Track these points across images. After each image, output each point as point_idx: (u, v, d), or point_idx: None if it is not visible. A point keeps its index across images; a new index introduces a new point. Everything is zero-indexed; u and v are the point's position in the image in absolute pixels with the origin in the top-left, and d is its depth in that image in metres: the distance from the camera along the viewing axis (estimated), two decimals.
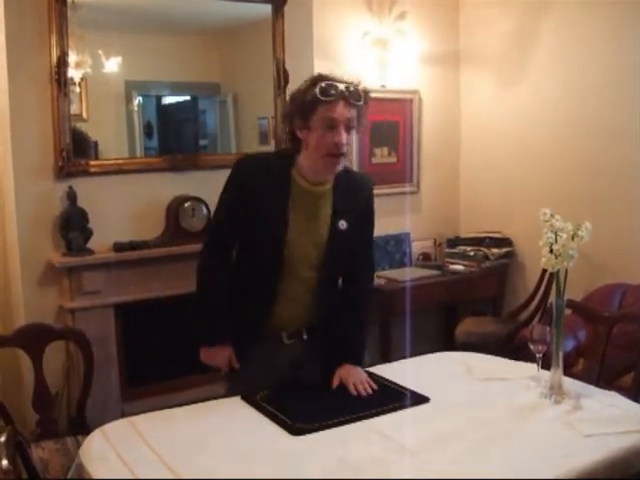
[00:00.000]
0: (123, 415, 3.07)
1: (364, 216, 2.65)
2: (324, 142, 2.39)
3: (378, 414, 2.34)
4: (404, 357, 3.23)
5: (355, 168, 5.04)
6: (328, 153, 2.40)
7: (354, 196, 2.60)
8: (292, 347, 2.64)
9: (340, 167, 2.48)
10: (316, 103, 2.37)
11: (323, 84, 2.37)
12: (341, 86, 2.39)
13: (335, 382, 2.58)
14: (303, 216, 2.52)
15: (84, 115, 3.97)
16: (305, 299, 2.60)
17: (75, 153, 3.81)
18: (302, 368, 2.65)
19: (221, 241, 2.63)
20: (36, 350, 2.99)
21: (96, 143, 4.02)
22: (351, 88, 2.40)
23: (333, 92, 2.36)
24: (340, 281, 2.72)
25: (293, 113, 2.47)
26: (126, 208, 3.97)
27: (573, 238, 2.39)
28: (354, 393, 2.51)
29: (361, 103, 2.42)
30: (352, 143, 2.47)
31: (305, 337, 2.66)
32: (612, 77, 4.46)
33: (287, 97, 2.61)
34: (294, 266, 2.53)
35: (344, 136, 2.39)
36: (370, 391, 2.52)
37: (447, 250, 5.37)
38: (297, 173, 2.51)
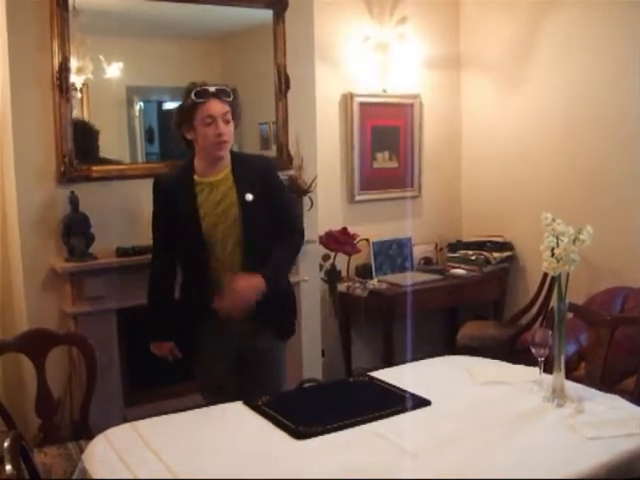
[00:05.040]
0: (125, 420, 3.07)
1: (267, 186, 3.03)
2: (209, 136, 2.88)
3: (380, 417, 2.34)
4: (406, 361, 3.23)
5: (356, 172, 5.08)
6: (213, 144, 2.89)
7: (250, 173, 3.01)
8: (241, 322, 2.97)
9: (224, 152, 2.95)
10: (194, 105, 2.87)
11: (196, 89, 2.88)
12: (211, 88, 2.90)
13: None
14: (213, 202, 2.96)
15: (86, 121, 3.97)
16: (239, 271, 2.93)
17: (79, 148, 3.85)
18: (254, 337, 3.03)
19: (158, 250, 3.15)
20: (39, 355, 3.00)
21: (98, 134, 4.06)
22: (220, 89, 2.92)
23: (205, 94, 2.88)
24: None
25: (180, 121, 2.97)
26: (128, 213, 3.96)
27: (575, 242, 2.40)
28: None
29: (231, 99, 2.94)
30: (232, 132, 3.01)
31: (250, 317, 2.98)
32: (615, 81, 4.47)
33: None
34: (219, 248, 2.95)
35: (223, 128, 2.88)
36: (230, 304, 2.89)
37: (448, 254, 5.37)
38: (196, 173, 3.00)
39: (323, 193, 4.52)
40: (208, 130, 2.87)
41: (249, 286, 2.87)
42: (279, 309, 3.09)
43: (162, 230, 3.08)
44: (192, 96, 2.87)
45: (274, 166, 3.20)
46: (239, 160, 3.06)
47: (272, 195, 3.04)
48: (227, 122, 2.91)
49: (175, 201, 2.98)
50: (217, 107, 2.88)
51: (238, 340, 3.03)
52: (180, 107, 2.97)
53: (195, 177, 2.99)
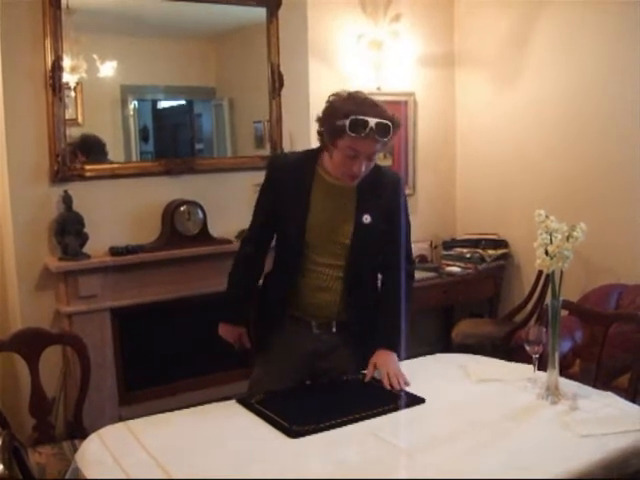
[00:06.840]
0: (120, 419, 3.08)
1: (389, 210, 2.73)
2: (344, 166, 2.55)
3: (374, 415, 2.33)
4: (401, 359, 3.22)
5: None
6: (343, 175, 2.59)
7: (377, 192, 2.70)
8: (320, 337, 2.76)
9: (351, 184, 2.63)
10: (344, 132, 2.45)
11: (355, 117, 2.43)
12: (372, 122, 2.43)
13: (370, 372, 2.63)
14: (327, 207, 2.67)
15: (79, 120, 3.96)
16: (333, 288, 2.72)
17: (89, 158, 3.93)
18: (327, 359, 2.77)
19: (254, 232, 2.88)
20: (33, 355, 2.98)
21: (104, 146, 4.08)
22: (381, 125, 2.45)
23: (362, 129, 2.43)
24: (372, 279, 2.85)
25: (324, 124, 2.59)
26: (122, 212, 3.96)
27: (568, 239, 2.40)
28: (388, 387, 2.54)
29: (387, 139, 2.51)
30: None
31: (334, 330, 2.76)
32: (609, 78, 4.47)
33: (326, 102, 2.66)
34: (319, 253, 2.69)
35: (363, 167, 2.54)
36: (404, 386, 2.55)
37: (443, 252, 5.37)
38: (321, 169, 2.69)
39: None
40: (346, 161, 2.52)
41: (397, 369, 2.61)
42: (364, 326, 2.75)
43: (264, 211, 2.80)
44: (347, 123, 2.43)
45: (403, 183, 2.85)
46: (369, 174, 2.63)
47: (395, 213, 2.73)
48: (370, 160, 2.55)
49: (287, 181, 2.68)
50: (367, 146, 2.48)
51: (311, 356, 2.76)
52: (331, 116, 2.53)
53: (317, 168, 2.68)
